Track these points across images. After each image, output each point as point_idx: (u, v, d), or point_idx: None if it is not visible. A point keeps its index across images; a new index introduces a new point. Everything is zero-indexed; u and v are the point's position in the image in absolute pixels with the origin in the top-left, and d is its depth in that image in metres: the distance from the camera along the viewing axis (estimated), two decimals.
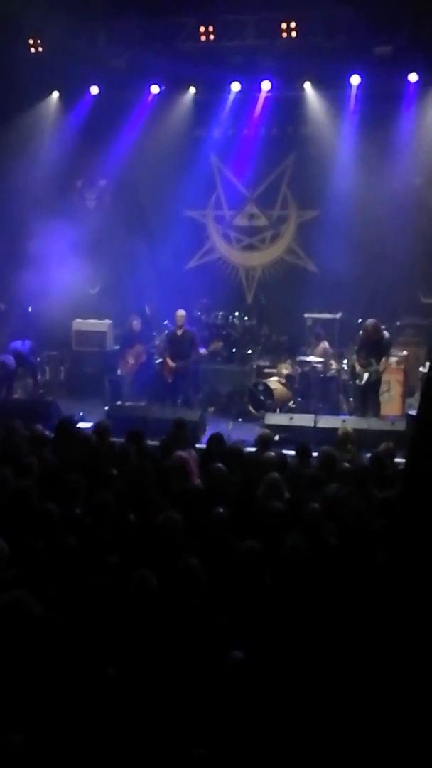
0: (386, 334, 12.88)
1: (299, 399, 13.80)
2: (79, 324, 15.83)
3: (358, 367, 12.65)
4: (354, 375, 12.95)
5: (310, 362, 13.72)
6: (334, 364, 13.73)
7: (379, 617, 4.60)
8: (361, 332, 12.91)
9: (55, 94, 16.24)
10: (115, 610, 5.12)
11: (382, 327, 12.85)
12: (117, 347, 15.42)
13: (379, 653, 4.38)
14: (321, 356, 13.87)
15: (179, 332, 14.05)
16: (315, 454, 8.98)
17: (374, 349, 12.66)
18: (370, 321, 12.81)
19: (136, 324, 15.02)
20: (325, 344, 14.10)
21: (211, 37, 14.62)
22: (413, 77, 14.44)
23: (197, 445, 10.08)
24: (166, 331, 14.64)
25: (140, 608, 5.13)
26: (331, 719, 4.45)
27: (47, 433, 9.35)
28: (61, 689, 4.42)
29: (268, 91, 15.40)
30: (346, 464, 8.51)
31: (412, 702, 4.07)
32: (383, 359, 12.65)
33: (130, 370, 14.81)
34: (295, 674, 4.75)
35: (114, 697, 4.47)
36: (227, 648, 4.66)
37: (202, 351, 14.26)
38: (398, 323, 14.88)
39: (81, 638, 4.80)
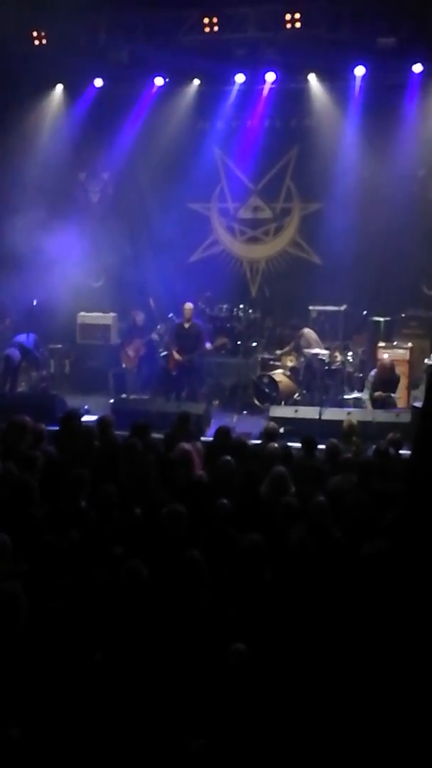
0: (398, 372, 13.00)
1: (304, 391, 13.78)
2: (84, 317, 15.84)
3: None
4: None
5: (314, 354, 13.71)
6: (338, 356, 13.72)
7: (383, 610, 4.59)
8: (374, 370, 13.09)
9: (59, 87, 16.17)
10: (119, 603, 5.13)
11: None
12: (120, 341, 15.43)
13: (382, 647, 4.37)
14: (307, 347, 13.87)
15: (186, 325, 14.04)
16: (321, 446, 8.99)
17: (386, 385, 12.78)
18: (387, 359, 13.04)
19: (140, 318, 15.03)
20: (307, 331, 14.10)
21: (215, 29, 14.54)
22: (417, 68, 14.33)
23: (202, 438, 10.09)
24: (159, 326, 14.67)
25: (132, 599, 5.14)
26: (333, 713, 4.46)
27: (44, 426, 9.31)
28: (59, 681, 4.42)
29: (272, 83, 15.31)
30: (350, 455, 8.51)
31: (414, 695, 4.07)
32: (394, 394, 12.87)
33: (132, 363, 14.82)
34: (297, 667, 4.75)
35: (111, 688, 4.47)
36: (229, 640, 4.66)
37: (208, 346, 14.25)
38: (402, 315, 14.88)
39: (83, 629, 4.81)
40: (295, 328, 14.44)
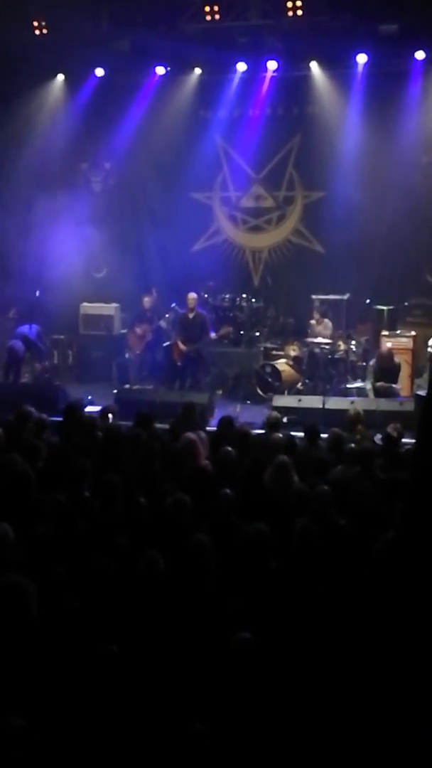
0: (397, 360, 12.95)
1: (307, 380, 13.77)
2: (86, 308, 15.83)
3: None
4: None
5: (318, 343, 13.69)
6: (342, 345, 13.70)
7: (387, 601, 4.59)
8: (374, 360, 13.06)
9: (60, 77, 16.13)
10: (124, 592, 5.13)
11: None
12: (124, 330, 15.45)
13: (386, 638, 4.37)
14: (323, 334, 13.85)
15: (190, 315, 14.03)
16: (324, 435, 8.98)
17: (386, 375, 12.75)
18: (386, 348, 13.02)
19: (147, 301, 15.00)
20: (327, 322, 14.09)
21: (216, 17, 14.45)
22: (420, 55, 14.27)
23: (206, 428, 10.07)
24: (168, 314, 14.63)
25: (147, 589, 5.14)
26: (335, 703, 4.46)
27: (47, 417, 9.31)
28: (63, 669, 4.42)
29: (274, 71, 15.26)
30: (353, 445, 8.50)
31: (416, 685, 4.07)
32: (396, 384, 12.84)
33: (137, 347, 14.83)
34: (301, 657, 4.76)
35: (117, 676, 4.48)
36: (234, 629, 4.66)
37: (213, 335, 14.23)
38: (406, 303, 14.83)
39: (87, 619, 4.81)
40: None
